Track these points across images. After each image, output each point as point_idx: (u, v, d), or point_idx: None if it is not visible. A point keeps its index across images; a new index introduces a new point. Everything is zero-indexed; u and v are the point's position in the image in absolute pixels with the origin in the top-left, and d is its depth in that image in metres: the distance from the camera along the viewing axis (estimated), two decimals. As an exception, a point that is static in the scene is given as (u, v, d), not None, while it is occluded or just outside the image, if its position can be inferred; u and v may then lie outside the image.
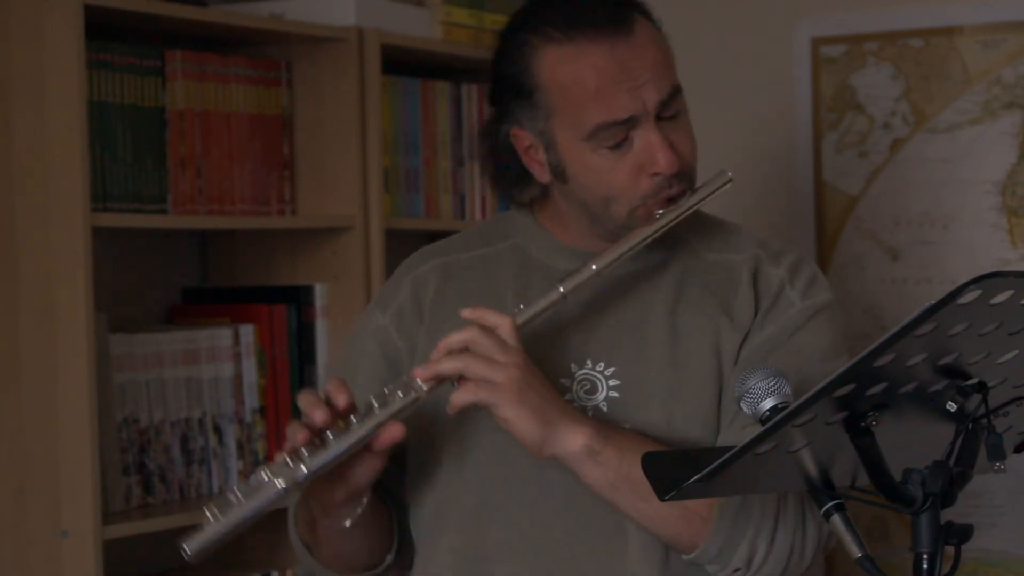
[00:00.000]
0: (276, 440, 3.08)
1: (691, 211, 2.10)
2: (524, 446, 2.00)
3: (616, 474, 2.01)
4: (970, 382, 1.64)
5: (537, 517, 2.10)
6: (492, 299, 2.16)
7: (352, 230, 3.12)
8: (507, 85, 2.14)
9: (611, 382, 2.11)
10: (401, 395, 1.98)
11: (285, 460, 1.96)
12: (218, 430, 3.00)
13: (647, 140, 2.06)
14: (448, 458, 2.15)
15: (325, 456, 1.95)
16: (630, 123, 2.06)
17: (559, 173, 2.12)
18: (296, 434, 1.97)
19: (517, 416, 1.98)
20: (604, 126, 2.06)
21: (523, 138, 2.14)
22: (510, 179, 2.21)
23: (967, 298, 1.51)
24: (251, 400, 3.05)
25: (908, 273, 3.33)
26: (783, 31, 3.40)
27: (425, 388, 1.99)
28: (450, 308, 2.16)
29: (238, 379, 3.04)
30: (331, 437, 1.96)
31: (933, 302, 1.50)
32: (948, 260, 3.28)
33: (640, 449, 1.97)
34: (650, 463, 1.82)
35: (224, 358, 3.02)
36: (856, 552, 1.68)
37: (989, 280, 1.50)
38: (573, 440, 2.00)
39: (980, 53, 3.26)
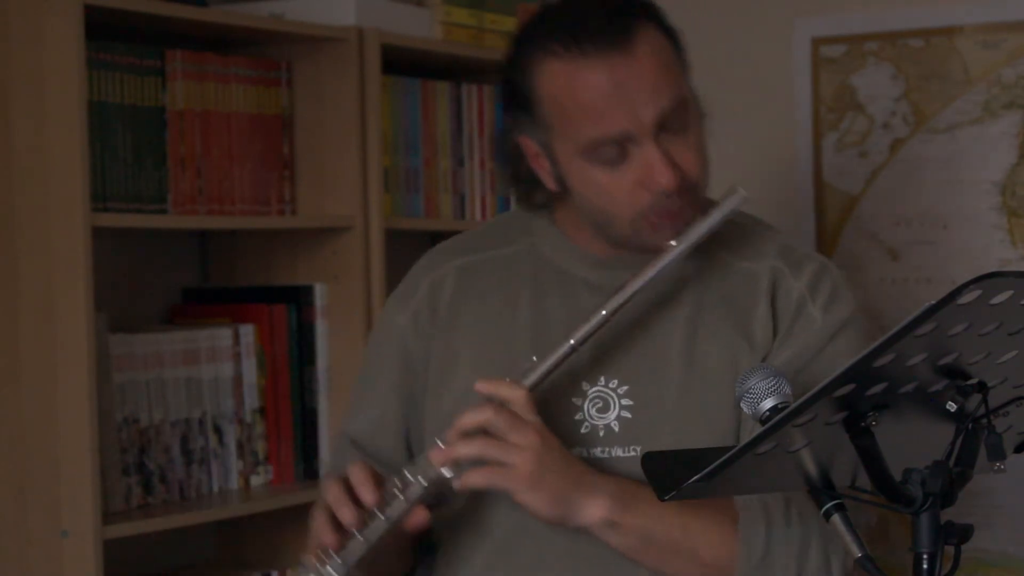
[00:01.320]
0: (276, 440, 3.08)
1: (704, 237, 2.06)
2: (539, 519, 2.00)
3: (637, 539, 2.02)
4: (970, 382, 1.64)
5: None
6: (507, 304, 2.15)
7: (352, 230, 3.12)
8: (513, 94, 2.12)
9: (624, 401, 2.09)
10: (422, 480, 1.98)
11: (316, 566, 1.98)
12: (218, 430, 3.00)
13: (646, 156, 2.02)
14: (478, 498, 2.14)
15: (352, 555, 1.98)
16: (625, 139, 2.02)
17: (561, 183, 2.11)
18: (324, 535, 1.99)
19: (534, 500, 1.98)
20: (598, 142, 2.02)
21: (530, 146, 2.12)
22: (524, 183, 2.19)
23: (967, 298, 1.50)
24: (251, 400, 3.06)
25: (908, 273, 3.33)
26: (783, 31, 3.40)
27: (445, 473, 1.98)
28: (464, 314, 2.16)
29: (238, 379, 3.04)
30: (357, 536, 1.98)
31: (933, 302, 1.50)
32: (948, 260, 3.28)
33: (660, 511, 2.00)
34: (650, 463, 1.82)
35: (224, 358, 3.02)
36: (856, 552, 1.68)
37: (989, 280, 1.50)
38: (591, 514, 2.00)
39: (980, 53, 3.26)
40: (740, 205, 2.08)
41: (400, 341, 2.20)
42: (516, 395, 2.00)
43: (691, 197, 2.06)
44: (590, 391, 2.10)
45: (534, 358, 2.04)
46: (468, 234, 2.29)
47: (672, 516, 2.02)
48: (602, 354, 2.10)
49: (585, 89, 2.02)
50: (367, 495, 1.98)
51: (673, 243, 2.04)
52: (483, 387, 2.01)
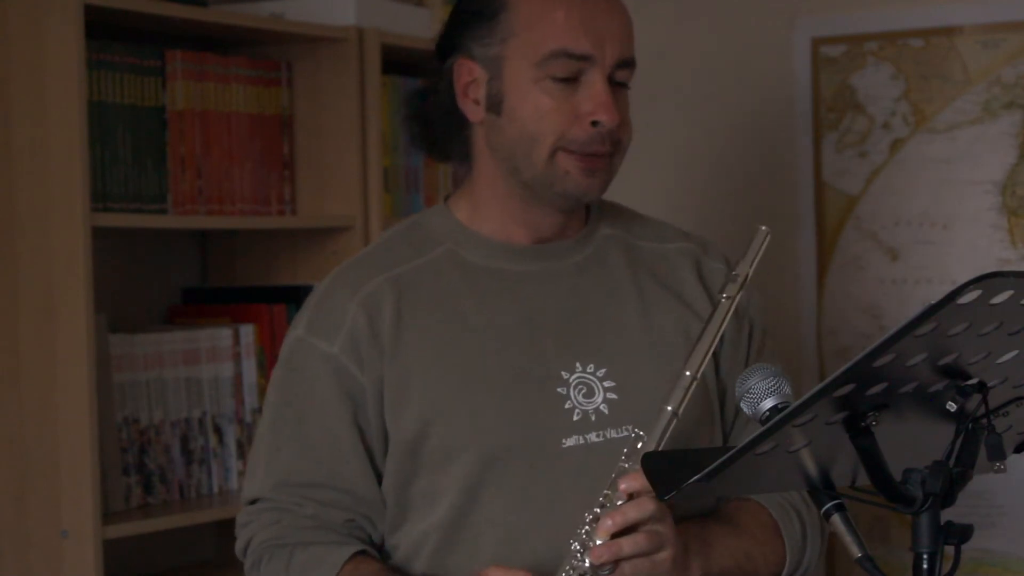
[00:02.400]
0: (276, 440, 3.08)
1: (748, 279, 2.11)
2: None
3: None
4: (970, 382, 1.64)
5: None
6: (452, 314, 2.14)
7: (352, 230, 3.12)
8: (469, 11, 2.17)
9: (606, 383, 2.12)
10: None
11: None
12: (218, 430, 3.00)
13: (595, 88, 2.09)
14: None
15: None
16: (585, 62, 2.09)
17: (495, 105, 2.13)
18: None
19: None
20: (560, 53, 2.09)
21: (467, 71, 2.15)
22: (436, 132, 2.22)
23: (967, 298, 1.51)
24: (251, 400, 3.05)
25: (908, 273, 3.33)
26: (783, 31, 3.40)
27: (601, 569, 1.99)
28: (409, 331, 2.13)
29: (238, 379, 3.04)
30: None
31: (933, 302, 1.50)
32: (948, 260, 3.28)
33: (729, 549, 2.10)
34: (651, 463, 1.82)
35: (224, 358, 3.02)
36: (856, 552, 1.68)
37: (989, 280, 1.50)
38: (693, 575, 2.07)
39: (980, 53, 3.26)
40: (766, 241, 2.13)
41: (337, 371, 2.14)
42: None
43: (614, 151, 2.13)
44: (571, 378, 2.12)
45: (640, 433, 2.05)
46: (372, 252, 2.24)
47: (739, 551, 2.12)
48: (568, 342, 2.14)
49: (563, 6, 2.10)
50: None
51: (724, 296, 2.09)
52: (630, 485, 1.99)
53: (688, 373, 2.04)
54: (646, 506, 1.97)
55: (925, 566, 1.66)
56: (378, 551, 2.17)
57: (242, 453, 3.03)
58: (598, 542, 1.97)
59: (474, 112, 2.16)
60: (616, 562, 1.97)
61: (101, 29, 2.76)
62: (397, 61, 3.27)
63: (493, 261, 2.17)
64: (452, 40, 2.18)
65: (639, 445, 2.03)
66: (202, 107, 2.95)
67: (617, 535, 1.98)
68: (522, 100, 2.11)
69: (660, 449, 2.02)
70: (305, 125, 3.15)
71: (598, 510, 1.99)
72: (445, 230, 2.21)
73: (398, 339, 2.13)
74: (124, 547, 2.82)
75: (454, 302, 2.15)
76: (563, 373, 2.12)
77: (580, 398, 2.11)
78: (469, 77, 2.15)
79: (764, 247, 2.13)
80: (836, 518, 1.69)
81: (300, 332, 2.19)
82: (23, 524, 2.72)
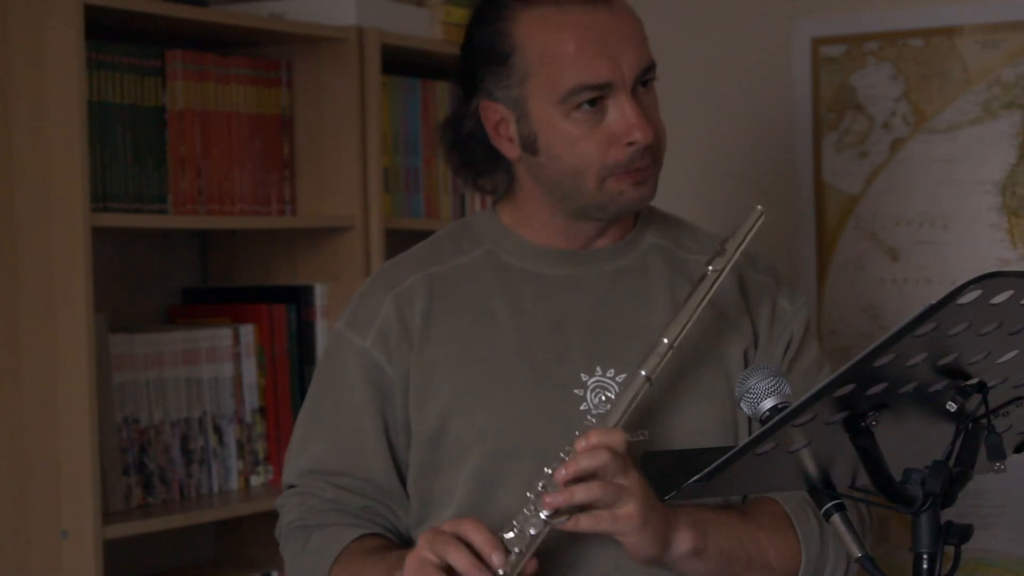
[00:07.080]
0: (276, 440, 3.08)
1: (737, 255, 2.09)
2: (636, 559, 2.01)
3: (719, 562, 2.05)
4: (970, 382, 1.64)
5: None
6: (481, 313, 2.15)
7: (352, 230, 3.12)
8: (481, 54, 2.13)
9: None
10: (532, 532, 1.96)
11: None
12: (218, 430, 3.00)
13: (622, 110, 2.07)
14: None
15: None
16: (606, 89, 2.07)
17: (529, 145, 2.12)
18: None
19: (639, 541, 1.99)
20: (580, 88, 2.06)
21: (493, 112, 2.13)
22: (476, 165, 2.20)
23: (967, 298, 1.51)
24: (251, 400, 3.06)
25: (908, 273, 3.33)
26: (783, 31, 3.40)
27: (554, 519, 1.97)
28: (437, 327, 2.15)
29: (238, 379, 3.04)
30: None
31: (933, 302, 1.50)
32: (948, 260, 3.28)
33: (733, 531, 2.05)
34: (650, 463, 1.82)
35: (224, 358, 3.02)
36: (856, 552, 1.68)
37: (989, 280, 1.51)
38: (681, 547, 2.03)
39: (980, 53, 3.26)
40: (761, 218, 2.11)
41: (367, 365, 2.17)
42: (618, 440, 1.98)
43: (657, 157, 2.12)
44: (590, 381, 2.11)
45: (611, 396, 2.05)
46: (416, 250, 2.26)
47: (743, 532, 2.07)
48: (593, 345, 2.13)
49: (571, 35, 2.07)
50: (497, 559, 1.96)
51: (710, 268, 2.08)
52: (586, 442, 1.97)
53: (666, 340, 2.03)
54: (600, 455, 1.95)
55: (925, 566, 1.66)
56: (404, 541, 2.19)
57: (242, 453, 3.04)
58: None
59: (511, 150, 2.15)
60: (571, 514, 1.95)
61: (101, 29, 2.76)
62: (397, 61, 3.27)
63: (529, 264, 2.17)
64: (470, 81, 2.16)
65: (608, 407, 2.03)
66: (202, 107, 2.95)
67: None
68: (555, 136, 2.09)
69: (628, 412, 2.01)
70: (305, 125, 3.15)
71: (556, 464, 1.98)
72: (488, 232, 2.21)
73: (426, 335, 2.15)
74: (124, 547, 2.82)
75: (485, 302, 2.16)
76: (583, 376, 2.11)
77: (597, 401, 2.11)
78: (497, 117, 2.14)
79: (757, 225, 2.10)
80: (836, 518, 1.69)
81: (341, 325, 2.23)
82: (23, 524, 2.72)
